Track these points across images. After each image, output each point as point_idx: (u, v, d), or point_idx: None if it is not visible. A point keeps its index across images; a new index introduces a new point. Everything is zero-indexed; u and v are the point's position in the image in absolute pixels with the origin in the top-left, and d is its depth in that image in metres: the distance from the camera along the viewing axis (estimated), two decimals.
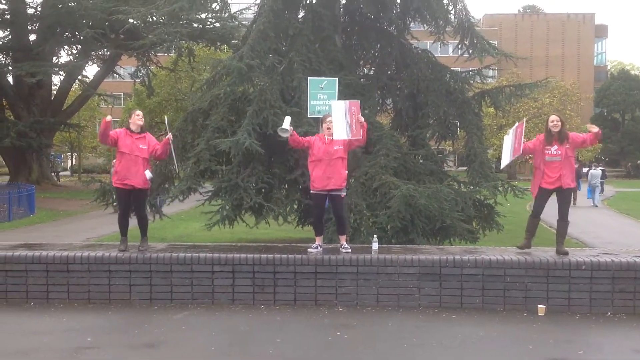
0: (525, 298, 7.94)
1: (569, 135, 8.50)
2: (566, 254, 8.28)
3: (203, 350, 6.40)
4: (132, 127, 8.62)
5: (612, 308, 7.86)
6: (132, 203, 8.73)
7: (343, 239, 8.71)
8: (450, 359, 6.22)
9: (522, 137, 8.45)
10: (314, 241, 8.68)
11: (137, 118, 8.67)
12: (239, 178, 11.72)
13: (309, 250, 8.47)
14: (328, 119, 8.60)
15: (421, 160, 13.07)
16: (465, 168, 13.14)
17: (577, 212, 24.06)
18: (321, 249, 8.57)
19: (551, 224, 10.51)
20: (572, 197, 28.42)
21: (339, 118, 8.44)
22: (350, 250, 8.47)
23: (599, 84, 68.28)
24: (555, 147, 8.38)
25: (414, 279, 8.03)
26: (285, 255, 8.18)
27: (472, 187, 12.42)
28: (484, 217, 12.68)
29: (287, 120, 8.61)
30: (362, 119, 8.52)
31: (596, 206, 27.21)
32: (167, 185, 12.45)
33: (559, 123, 8.40)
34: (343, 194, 8.66)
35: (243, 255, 8.20)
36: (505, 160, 8.73)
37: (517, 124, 8.68)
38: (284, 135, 8.52)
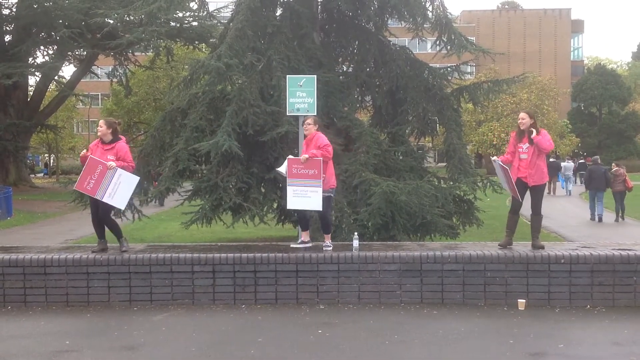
0: (505, 292, 7.98)
1: (535, 139, 8.23)
2: (542, 247, 8.32)
3: (184, 352, 6.35)
4: (103, 139, 8.56)
5: (591, 301, 7.92)
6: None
7: (328, 238, 8.65)
8: (431, 354, 6.23)
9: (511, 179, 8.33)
10: (295, 239, 8.66)
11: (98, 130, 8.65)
12: (219, 178, 11.66)
13: (292, 245, 8.40)
14: (307, 121, 8.60)
15: (401, 157, 13.11)
16: (444, 164, 13.21)
17: (555, 205, 24.32)
18: (309, 244, 8.54)
19: (530, 218, 10.55)
20: (552, 188, 30.41)
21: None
22: (331, 247, 8.44)
23: (576, 79, 68.93)
24: (527, 144, 8.33)
25: (395, 275, 8.04)
26: (266, 254, 8.14)
27: (451, 183, 12.49)
28: (463, 212, 12.76)
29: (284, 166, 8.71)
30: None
31: (569, 194, 31.07)
32: (144, 185, 12.34)
33: (524, 121, 8.30)
34: (329, 194, 8.61)
35: (223, 255, 8.15)
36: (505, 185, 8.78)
37: (498, 162, 8.38)
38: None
